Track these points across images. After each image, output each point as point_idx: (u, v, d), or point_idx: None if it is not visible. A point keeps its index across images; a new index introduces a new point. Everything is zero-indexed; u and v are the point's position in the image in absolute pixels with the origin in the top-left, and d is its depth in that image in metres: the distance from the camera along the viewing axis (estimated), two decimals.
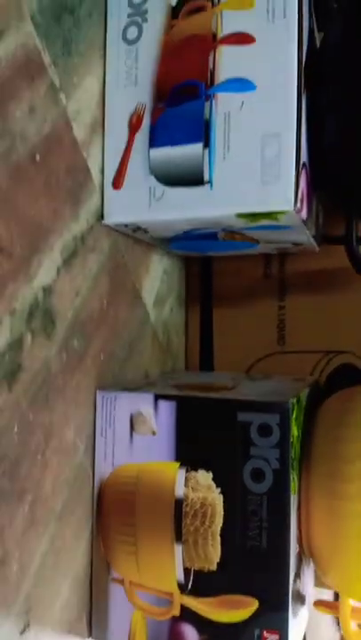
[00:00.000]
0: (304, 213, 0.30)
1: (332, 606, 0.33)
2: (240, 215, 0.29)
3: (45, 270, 0.27)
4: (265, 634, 0.28)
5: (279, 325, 0.45)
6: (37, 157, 0.26)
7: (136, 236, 0.35)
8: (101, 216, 0.32)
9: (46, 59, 0.27)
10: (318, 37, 0.35)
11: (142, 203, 0.31)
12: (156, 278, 0.41)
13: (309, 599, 0.35)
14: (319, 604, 0.33)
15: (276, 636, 0.28)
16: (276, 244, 0.38)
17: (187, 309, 0.48)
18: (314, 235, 0.36)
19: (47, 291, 0.27)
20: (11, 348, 0.24)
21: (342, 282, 0.43)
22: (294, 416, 0.29)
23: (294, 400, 0.29)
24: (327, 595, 0.49)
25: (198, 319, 0.48)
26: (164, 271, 0.43)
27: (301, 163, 0.29)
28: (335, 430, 0.29)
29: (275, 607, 0.28)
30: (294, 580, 0.29)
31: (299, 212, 0.29)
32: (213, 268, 0.47)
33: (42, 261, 0.27)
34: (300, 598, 0.31)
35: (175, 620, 0.30)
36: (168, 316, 0.44)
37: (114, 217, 0.32)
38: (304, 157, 0.29)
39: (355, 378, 0.42)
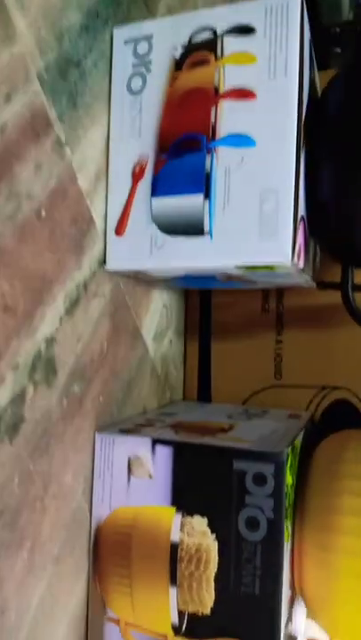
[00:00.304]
0: (301, 263, 0.31)
1: None
2: (239, 266, 0.30)
3: (48, 321, 0.28)
4: None
5: (276, 359, 0.45)
6: (43, 213, 0.27)
7: (138, 276, 0.36)
8: (104, 261, 0.33)
9: (52, 114, 0.27)
10: (320, 85, 0.36)
11: (143, 250, 0.32)
12: (156, 313, 0.42)
13: (301, 638, 0.35)
14: None
15: None
16: (275, 284, 0.38)
17: (186, 340, 0.49)
18: (311, 276, 0.36)
19: (49, 341, 0.28)
20: (13, 402, 0.25)
21: (339, 318, 0.43)
22: (289, 465, 0.29)
23: (289, 449, 0.29)
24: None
25: (197, 350, 0.48)
26: (164, 305, 0.43)
27: (299, 217, 0.29)
28: (327, 481, 0.30)
29: None
30: (286, 625, 0.30)
31: (296, 264, 0.29)
32: (213, 300, 0.48)
33: (45, 313, 0.27)
34: None
35: None
36: (167, 349, 0.45)
37: (116, 263, 0.33)
38: (302, 211, 0.30)
39: (349, 414, 0.43)
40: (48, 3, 0.27)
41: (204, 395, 0.48)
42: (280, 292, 0.45)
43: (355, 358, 0.43)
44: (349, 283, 0.33)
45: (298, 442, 0.32)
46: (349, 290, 0.33)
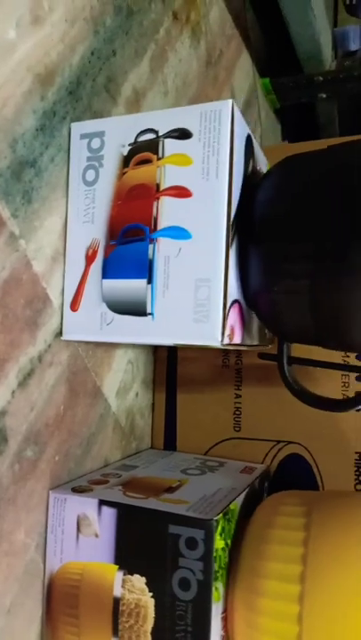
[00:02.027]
0: (238, 339, 0.34)
1: None
2: (176, 344, 0.33)
3: (0, 396, 0.31)
4: None
5: (235, 412, 0.48)
6: None
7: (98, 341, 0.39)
8: (60, 332, 0.36)
9: (5, 214, 0.31)
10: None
11: (95, 325, 0.35)
12: (120, 371, 0.45)
13: None
14: None
15: None
16: None
17: (154, 391, 0.52)
18: (259, 343, 0.39)
19: (0, 414, 0.31)
20: None
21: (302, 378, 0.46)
22: (219, 530, 0.32)
23: (219, 517, 0.32)
24: None
25: (164, 401, 0.51)
26: (129, 361, 0.47)
27: (230, 302, 0.32)
28: (256, 544, 0.32)
29: None
30: None
31: (227, 344, 0.32)
32: (179, 354, 0.51)
33: None
34: None
35: None
36: (133, 401, 0.48)
37: (71, 335, 0.36)
38: (235, 296, 0.33)
39: (301, 468, 0.45)
40: None
41: (170, 443, 0.50)
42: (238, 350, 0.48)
43: (306, 415, 0.45)
44: (284, 357, 0.35)
45: (235, 505, 0.35)
46: (284, 363, 0.35)
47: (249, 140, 0.36)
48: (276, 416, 0.46)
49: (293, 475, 0.45)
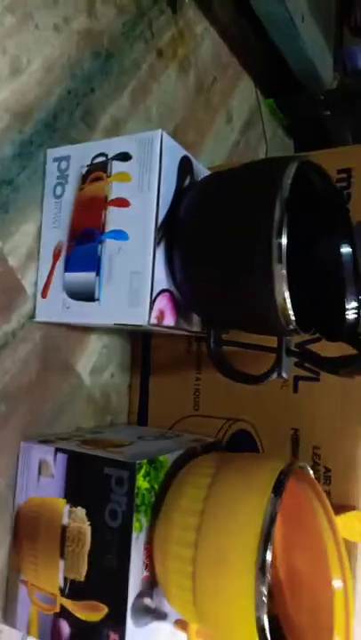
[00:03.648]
0: (169, 322, 0.42)
1: (185, 626, 0.42)
2: (117, 324, 0.41)
3: None
4: (111, 634, 0.38)
5: (195, 393, 0.55)
6: None
7: (70, 325, 0.48)
8: (33, 316, 0.45)
9: None
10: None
11: (58, 309, 0.44)
12: (94, 353, 0.54)
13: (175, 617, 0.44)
14: (176, 622, 0.43)
15: (117, 637, 0.38)
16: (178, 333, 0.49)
17: (131, 375, 0.60)
18: (199, 330, 0.47)
19: None
20: None
21: (244, 360, 0.53)
22: (142, 473, 0.39)
23: (143, 462, 0.40)
24: None
25: (139, 383, 0.59)
26: (104, 346, 0.55)
27: (158, 291, 0.40)
28: (171, 496, 0.40)
29: (118, 615, 0.38)
30: (140, 597, 0.40)
31: (156, 325, 0.40)
32: (152, 343, 0.59)
33: None
34: (151, 613, 0.41)
35: (56, 616, 0.41)
36: (108, 381, 0.56)
37: (41, 317, 0.45)
38: (164, 286, 0.41)
39: (247, 442, 0.52)
40: None
41: (143, 420, 0.58)
42: (199, 338, 0.55)
43: (252, 395, 0.52)
44: (211, 339, 0.42)
45: (164, 458, 0.42)
46: (211, 344, 0.42)
47: (186, 160, 0.44)
48: (228, 397, 0.53)
49: (241, 449, 0.52)
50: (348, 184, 0.48)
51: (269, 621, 0.39)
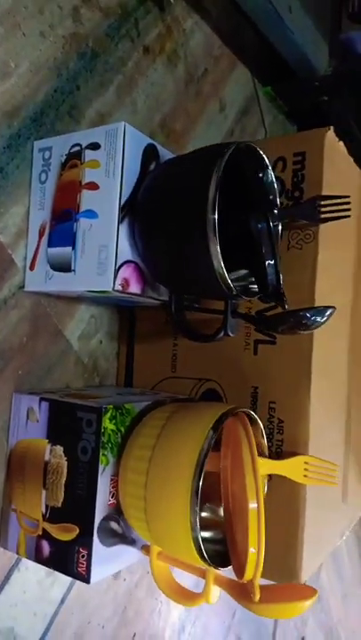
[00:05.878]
0: (135, 290, 0.48)
1: (148, 550, 0.49)
2: (89, 291, 0.48)
3: None
4: (81, 550, 0.46)
5: (173, 357, 0.62)
6: None
7: (59, 295, 0.55)
8: (23, 287, 0.53)
9: None
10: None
11: (43, 280, 0.51)
12: (82, 321, 0.61)
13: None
14: (143, 548, 0.50)
15: (86, 552, 0.45)
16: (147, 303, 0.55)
17: (119, 343, 0.67)
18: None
19: None
20: None
21: (212, 324, 0.59)
22: (108, 416, 0.46)
23: (109, 407, 0.47)
24: None
25: (126, 350, 0.66)
26: (92, 316, 0.62)
27: (122, 261, 0.47)
28: (132, 438, 0.47)
29: (86, 533, 0.46)
30: (107, 520, 0.47)
31: (122, 291, 0.47)
32: (136, 314, 0.65)
33: None
34: (118, 536, 0.48)
35: (39, 537, 0.49)
36: (97, 347, 0.63)
37: (29, 287, 0.52)
38: (128, 257, 0.47)
39: (215, 400, 0.58)
40: None
41: (128, 382, 0.65)
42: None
43: (219, 357, 0.58)
44: (172, 304, 0.49)
45: (131, 406, 0.49)
46: (172, 309, 0.49)
47: (151, 147, 0.50)
48: (199, 359, 0.59)
49: None
50: (302, 166, 0.53)
51: (219, 544, 0.46)
